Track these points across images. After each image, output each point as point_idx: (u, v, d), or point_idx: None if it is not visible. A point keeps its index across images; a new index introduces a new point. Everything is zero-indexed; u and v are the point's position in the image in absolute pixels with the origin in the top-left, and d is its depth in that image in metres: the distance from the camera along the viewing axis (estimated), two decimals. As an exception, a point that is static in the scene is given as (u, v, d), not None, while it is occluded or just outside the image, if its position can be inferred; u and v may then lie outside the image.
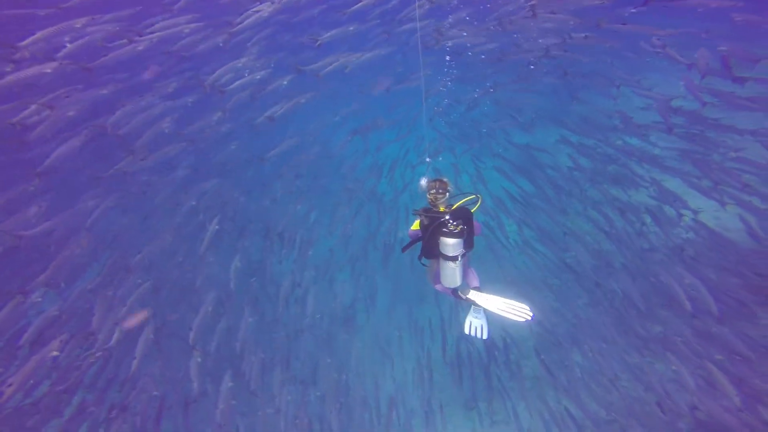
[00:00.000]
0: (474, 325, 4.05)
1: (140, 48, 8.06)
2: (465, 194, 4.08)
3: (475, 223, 4.03)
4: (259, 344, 9.08)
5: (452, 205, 3.97)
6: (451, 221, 3.76)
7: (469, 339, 9.23)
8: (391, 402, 8.68)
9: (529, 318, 3.78)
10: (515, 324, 3.86)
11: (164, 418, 8.48)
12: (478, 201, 4.05)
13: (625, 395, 8.05)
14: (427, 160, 5.86)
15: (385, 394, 9.06)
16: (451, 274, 3.87)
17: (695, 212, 8.33)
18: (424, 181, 4.36)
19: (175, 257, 9.31)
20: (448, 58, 12.09)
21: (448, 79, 12.90)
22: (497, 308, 3.85)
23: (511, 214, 11.10)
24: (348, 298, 10.92)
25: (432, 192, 4.00)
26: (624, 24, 8.87)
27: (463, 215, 3.87)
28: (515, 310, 3.81)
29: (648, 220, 9.18)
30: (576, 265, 9.70)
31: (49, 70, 7.06)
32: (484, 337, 4.03)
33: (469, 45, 10.98)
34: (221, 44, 9.25)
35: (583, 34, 9.55)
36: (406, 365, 9.57)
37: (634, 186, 9.99)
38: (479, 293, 3.97)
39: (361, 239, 11.57)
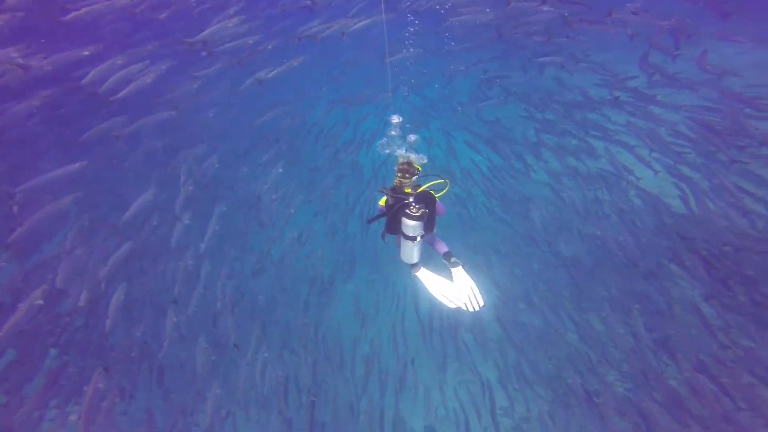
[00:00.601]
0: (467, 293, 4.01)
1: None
2: (435, 176, 4.20)
3: (439, 206, 4.14)
4: (237, 305, 9.37)
5: (419, 187, 4.08)
6: (413, 204, 3.89)
7: (443, 310, 9.78)
8: (367, 361, 9.21)
9: (478, 308, 3.91)
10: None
11: (142, 378, 8.74)
12: (446, 186, 4.16)
13: (569, 349, 9.00)
14: (394, 120, 6.09)
15: (361, 355, 9.59)
16: (409, 251, 4.05)
17: (637, 179, 9.16)
18: (384, 142, 4.54)
19: (151, 221, 9.36)
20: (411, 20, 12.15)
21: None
22: (454, 294, 4.00)
23: (479, 184, 11.79)
24: (327, 265, 11.33)
25: (398, 175, 4.10)
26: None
27: (427, 199, 3.99)
28: (473, 299, 3.94)
29: (601, 187, 10.01)
30: (534, 232, 10.55)
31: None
32: (481, 304, 3.97)
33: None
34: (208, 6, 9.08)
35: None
36: (382, 329, 10.11)
37: (592, 157, 10.79)
38: (459, 272, 4.04)
39: (341, 209, 11.93)
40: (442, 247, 4.28)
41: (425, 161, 4.23)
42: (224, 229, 9.50)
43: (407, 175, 4.06)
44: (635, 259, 8.44)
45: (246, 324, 9.55)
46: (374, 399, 8.75)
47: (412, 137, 4.45)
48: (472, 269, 4.15)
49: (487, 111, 14.21)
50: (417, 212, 3.82)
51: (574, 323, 9.01)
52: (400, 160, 4.12)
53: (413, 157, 4.14)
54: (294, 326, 10.05)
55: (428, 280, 4.15)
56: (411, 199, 3.89)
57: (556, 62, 11.72)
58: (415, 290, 10.28)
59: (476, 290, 3.99)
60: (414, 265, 4.19)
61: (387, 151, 4.55)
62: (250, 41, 9.50)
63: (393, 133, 4.70)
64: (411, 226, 3.84)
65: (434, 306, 9.98)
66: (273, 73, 9.63)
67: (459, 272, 4.07)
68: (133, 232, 8.86)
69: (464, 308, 3.92)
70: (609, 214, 9.73)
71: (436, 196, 4.08)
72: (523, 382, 8.59)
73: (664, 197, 9.25)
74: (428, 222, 4.00)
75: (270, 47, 9.72)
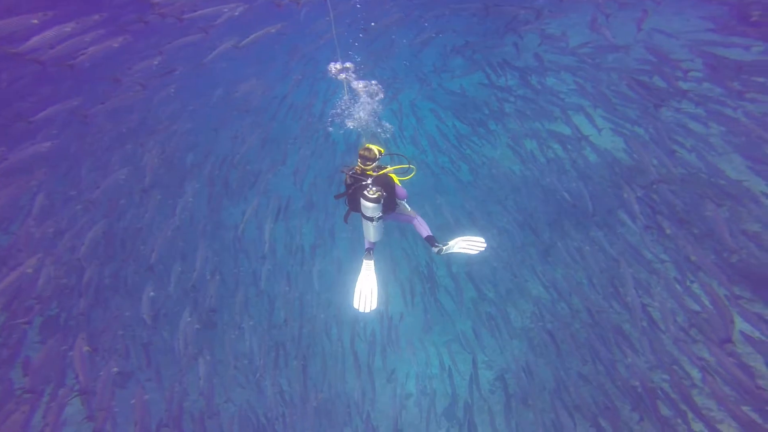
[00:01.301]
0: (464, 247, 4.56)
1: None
2: (402, 157, 4.41)
3: (399, 190, 4.27)
4: (220, 274, 9.48)
5: (381, 168, 4.21)
6: (371, 187, 4.03)
7: (423, 275, 10.36)
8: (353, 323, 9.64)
9: (484, 247, 4.50)
10: (457, 257, 4.69)
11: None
12: (411, 172, 4.29)
13: (536, 300, 9.85)
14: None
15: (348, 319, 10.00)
16: (367, 230, 4.33)
17: (586, 137, 9.96)
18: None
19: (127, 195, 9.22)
20: None
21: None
22: (460, 248, 4.49)
23: (446, 151, 12.35)
24: (309, 236, 11.56)
25: (359, 161, 4.19)
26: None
27: (385, 183, 4.13)
28: (474, 244, 4.52)
29: (557, 146, 10.79)
30: (499, 191, 11.30)
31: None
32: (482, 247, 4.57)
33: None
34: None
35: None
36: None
37: (549, 119, 11.54)
38: (444, 245, 4.46)
39: (321, 182, 12.08)
40: (425, 231, 4.54)
41: (391, 128, 4.57)
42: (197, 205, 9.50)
43: (368, 162, 4.16)
44: (590, 209, 9.31)
45: (229, 296, 9.72)
46: (362, 355, 9.21)
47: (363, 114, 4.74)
48: (445, 231, 4.61)
49: (451, 82, 14.74)
50: (374, 194, 3.99)
51: (539, 276, 9.84)
52: (361, 147, 4.23)
53: (374, 147, 4.26)
54: (278, 296, 10.27)
55: (366, 274, 4.46)
56: (369, 181, 4.06)
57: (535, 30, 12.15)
58: (396, 258, 10.80)
59: (467, 238, 4.55)
60: (368, 251, 4.54)
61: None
62: (226, 9, 9.15)
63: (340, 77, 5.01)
64: (368, 207, 4.06)
65: (414, 270, 10.58)
66: (249, 40, 9.27)
67: (447, 246, 4.47)
68: (106, 210, 8.71)
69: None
70: (567, 170, 10.55)
71: (399, 179, 4.28)
72: (499, 336, 9.34)
73: (614, 152, 10.15)
74: (387, 204, 4.21)
75: (237, 13, 9.34)
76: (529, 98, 12.34)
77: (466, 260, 10.32)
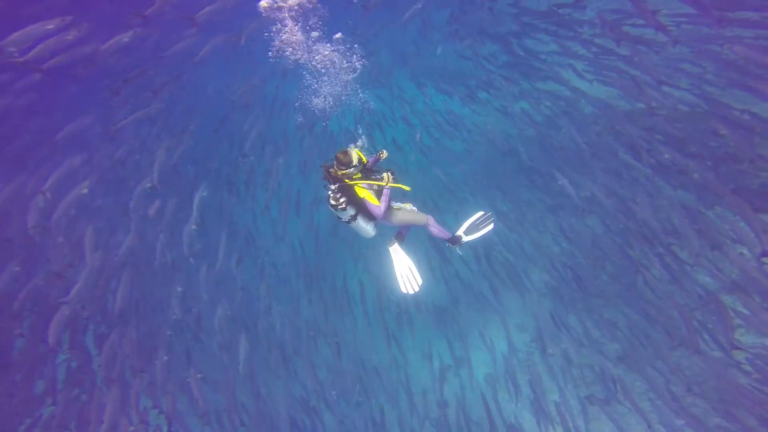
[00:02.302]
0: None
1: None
2: (379, 171, 4.26)
3: (371, 206, 4.06)
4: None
5: (364, 177, 4.13)
6: (335, 194, 4.04)
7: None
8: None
9: (493, 219, 4.71)
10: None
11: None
12: (386, 180, 4.12)
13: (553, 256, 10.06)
14: None
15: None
16: (355, 229, 4.31)
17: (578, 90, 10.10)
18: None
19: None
20: None
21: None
22: (477, 234, 4.68)
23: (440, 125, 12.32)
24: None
25: (334, 163, 4.09)
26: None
27: (347, 194, 4.06)
28: (484, 223, 4.71)
29: (549, 103, 10.92)
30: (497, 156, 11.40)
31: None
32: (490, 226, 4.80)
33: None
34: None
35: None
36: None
37: (540, 79, 11.63)
38: (460, 239, 4.64)
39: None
40: (444, 234, 4.61)
41: (362, 144, 4.32)
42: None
43: (341, 167, 4.05)
44: (591, 159, 9.52)
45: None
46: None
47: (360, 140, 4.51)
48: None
49: (434, 58, 14.59)
50: (334, 202, 4.02)
51: (549, 231, 10.06)
52: (341, 150, 4.14)
53: (353, 150, 4.14)
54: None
55: (397, 258, 4.53)
56: (333, 188, 4.08)
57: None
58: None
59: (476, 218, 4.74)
60: (396, 236, 4.64)
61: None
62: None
63: None
64: (334, 210, 4.11)
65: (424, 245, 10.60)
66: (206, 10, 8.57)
67: (462, 241, 4.63)
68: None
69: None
70: (564, 125, 10.71)
71: (368, 192, 4.06)
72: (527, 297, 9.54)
73: (609, 99, 10.35)
74: (356, 213, 4.14)
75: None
76: (513, 63, 12.41)
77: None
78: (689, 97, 8.77)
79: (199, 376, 7.85)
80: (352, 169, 4.06)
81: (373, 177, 4.23)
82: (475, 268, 10.19)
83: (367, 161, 4.31)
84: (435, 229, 4.50)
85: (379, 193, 4.15)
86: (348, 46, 6.40)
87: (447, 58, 14.30)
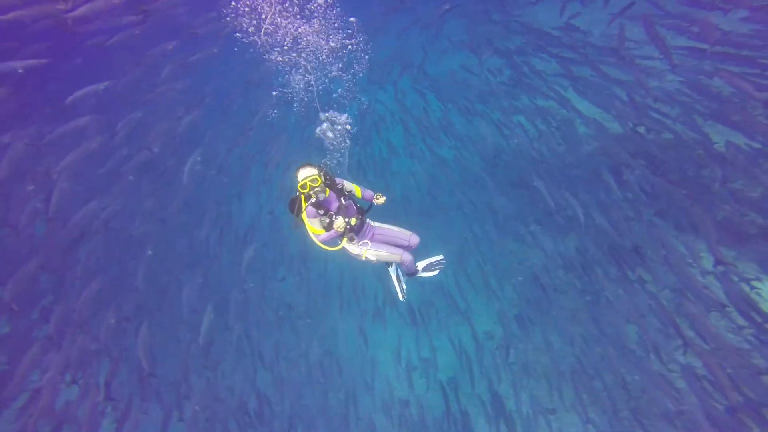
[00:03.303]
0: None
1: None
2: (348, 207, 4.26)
3: (310, 233, 4.03)
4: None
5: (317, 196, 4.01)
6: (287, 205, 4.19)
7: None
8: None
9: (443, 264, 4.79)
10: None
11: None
12: (325, 229, 4.07)
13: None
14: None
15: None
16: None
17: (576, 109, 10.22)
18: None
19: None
20: None
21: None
22: (429, 275, 4.79)
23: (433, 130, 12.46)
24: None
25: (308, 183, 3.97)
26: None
27: (291, 210, 4.15)
28: (438, 266, 4.80)
29: (544, 120, 11.03)
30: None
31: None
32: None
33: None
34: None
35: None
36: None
37: (542, 97, 11.74)
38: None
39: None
40: (411, 269, 4.64)
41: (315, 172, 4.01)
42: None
43: (315, 189, 3.95)
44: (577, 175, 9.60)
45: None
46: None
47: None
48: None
49: (437, 65, 14.86)
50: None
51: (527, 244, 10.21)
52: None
53: (311, 171, 3.98)
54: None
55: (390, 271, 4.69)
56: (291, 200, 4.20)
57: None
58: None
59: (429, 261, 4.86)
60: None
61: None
62: None
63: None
64: None
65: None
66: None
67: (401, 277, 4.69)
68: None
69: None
70: (559, 142, 10.85)
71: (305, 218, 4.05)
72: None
73: (603, 122, 10.47)
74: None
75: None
76: (516, 78, 12.59)
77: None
78: (677, 125, 8.91)
79: (196, 407, 7.83)
80: (299, 185, 3.96)
81: (323, 215, 4.06)
82: (451, 273, 10.32)
83: (323, 187, 4.02)
84: (406, 266, 4.46)
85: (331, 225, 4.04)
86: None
87: (453, 68, 14.56)
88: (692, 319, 6.13)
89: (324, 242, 4.09)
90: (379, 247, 4.32)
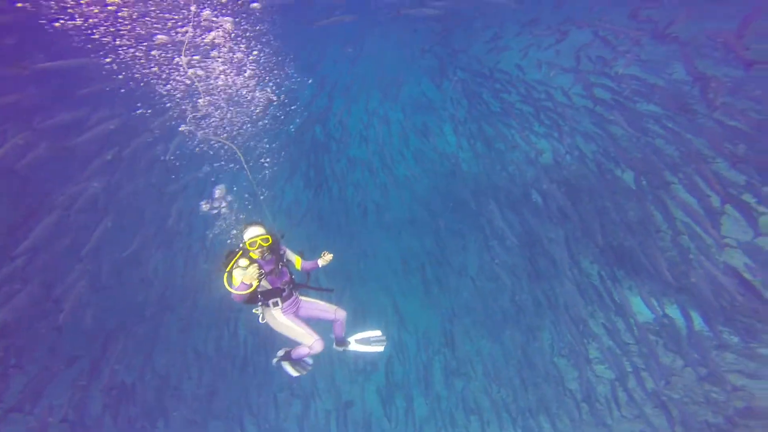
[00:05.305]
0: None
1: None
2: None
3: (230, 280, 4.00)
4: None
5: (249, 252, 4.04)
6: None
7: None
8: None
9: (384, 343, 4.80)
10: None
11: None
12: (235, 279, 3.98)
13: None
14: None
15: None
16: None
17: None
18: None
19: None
20: None
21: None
22: (364, 349, 4.81)
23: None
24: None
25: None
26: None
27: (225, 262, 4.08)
28: (378, 343, 4.83)
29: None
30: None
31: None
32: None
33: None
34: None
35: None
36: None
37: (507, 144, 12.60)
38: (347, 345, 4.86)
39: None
40: (339, 330, 4.74)
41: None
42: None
43: (259, 242, 4.02)
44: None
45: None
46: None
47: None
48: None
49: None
50: None
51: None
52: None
53: (254, 233, 4.06)
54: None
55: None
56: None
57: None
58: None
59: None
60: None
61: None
62: None
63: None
64: None
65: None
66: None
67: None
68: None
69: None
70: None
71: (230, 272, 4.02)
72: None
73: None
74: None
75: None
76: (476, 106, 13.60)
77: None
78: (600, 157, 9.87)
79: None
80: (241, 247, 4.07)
81: (241, 262, 4.01)
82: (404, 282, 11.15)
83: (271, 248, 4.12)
84: (310, 348, 4.24)
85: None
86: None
87: (425, 88, 15.57)
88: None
89: (238, 295, 3.98)
90: (299, 323, 4.28)
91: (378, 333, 4.89)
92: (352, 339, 4.84)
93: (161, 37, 6.17)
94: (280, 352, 4.55)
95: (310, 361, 4.63)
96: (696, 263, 6.91)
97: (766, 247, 6.45)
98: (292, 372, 4.50)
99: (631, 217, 8.61)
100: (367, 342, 4.82)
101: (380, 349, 4.81)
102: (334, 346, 4.79)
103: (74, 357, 8.77)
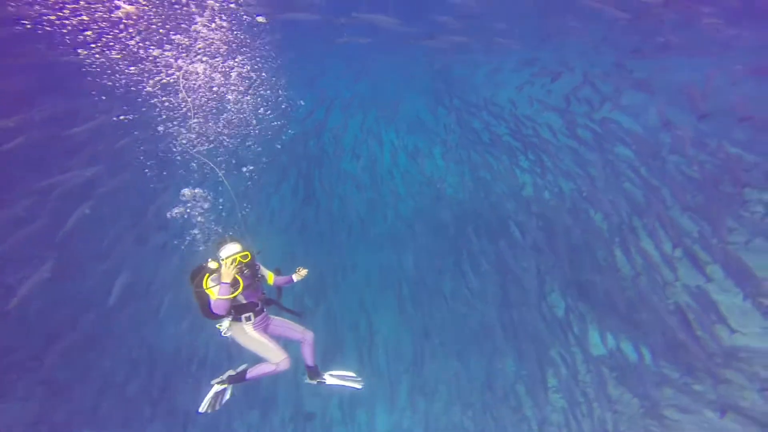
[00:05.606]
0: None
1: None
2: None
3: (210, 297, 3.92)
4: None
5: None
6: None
7: None
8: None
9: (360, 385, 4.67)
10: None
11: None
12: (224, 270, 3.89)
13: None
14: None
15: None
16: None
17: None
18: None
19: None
20: None
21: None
22: (338, 383, 4.67)
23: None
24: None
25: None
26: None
27: (195, 278, 4.04)
28: (352, 382, 4.69)
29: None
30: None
31: None
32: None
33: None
34: None
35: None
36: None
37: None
38: (321, 379, 4.65)
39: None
40: (309, 358, 4.61)
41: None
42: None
43: (238, 259, 3.96)
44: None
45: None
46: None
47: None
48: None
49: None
50: None
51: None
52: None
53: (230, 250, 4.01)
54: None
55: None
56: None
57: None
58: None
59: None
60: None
61: None
62: None
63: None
64: None
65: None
66: None
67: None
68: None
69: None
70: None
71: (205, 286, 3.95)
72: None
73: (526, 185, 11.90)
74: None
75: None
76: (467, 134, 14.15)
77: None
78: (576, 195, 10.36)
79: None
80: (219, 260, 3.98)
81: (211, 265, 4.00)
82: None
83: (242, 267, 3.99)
84: (277, 366, 4.12)
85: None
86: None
87: (420, 111, 16.19)
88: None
89: (223, 301, 3.87)
90: (267, 338, 4.21)
91: (352, 374, 4.80)
92: (326, 374, 4.72)
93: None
94: (230, 372, 4.37)
95: (225, 399, 4.40)
96: (649, 302, 7.31)
97: (711, 293, 6.96)
98: (207, 403, 4.28)
99: (599, 256, 9.03)
100: (342, 378, 4.73)
101: (358, 386, 4.71)
102: (307, 379, 4.62)
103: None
